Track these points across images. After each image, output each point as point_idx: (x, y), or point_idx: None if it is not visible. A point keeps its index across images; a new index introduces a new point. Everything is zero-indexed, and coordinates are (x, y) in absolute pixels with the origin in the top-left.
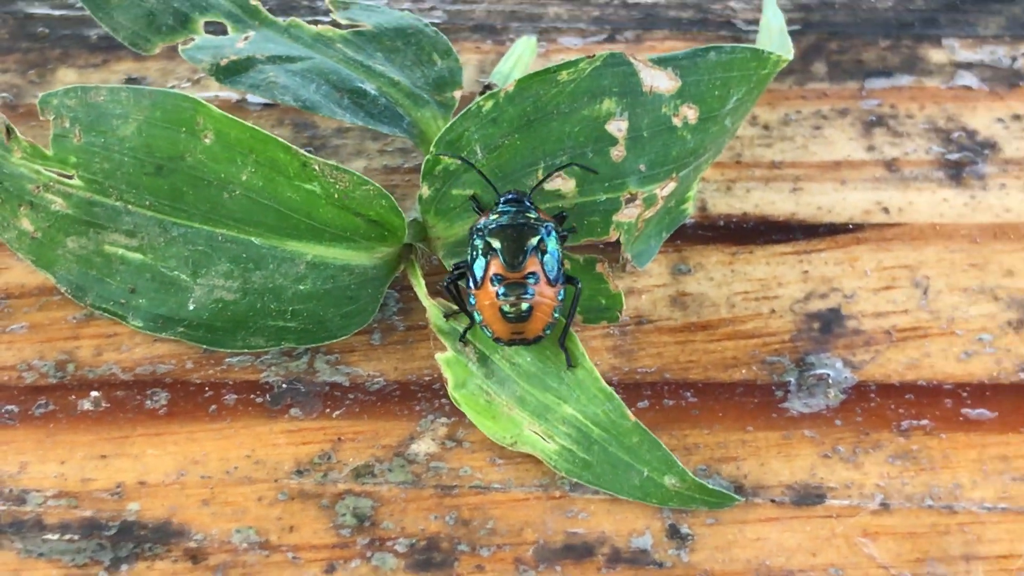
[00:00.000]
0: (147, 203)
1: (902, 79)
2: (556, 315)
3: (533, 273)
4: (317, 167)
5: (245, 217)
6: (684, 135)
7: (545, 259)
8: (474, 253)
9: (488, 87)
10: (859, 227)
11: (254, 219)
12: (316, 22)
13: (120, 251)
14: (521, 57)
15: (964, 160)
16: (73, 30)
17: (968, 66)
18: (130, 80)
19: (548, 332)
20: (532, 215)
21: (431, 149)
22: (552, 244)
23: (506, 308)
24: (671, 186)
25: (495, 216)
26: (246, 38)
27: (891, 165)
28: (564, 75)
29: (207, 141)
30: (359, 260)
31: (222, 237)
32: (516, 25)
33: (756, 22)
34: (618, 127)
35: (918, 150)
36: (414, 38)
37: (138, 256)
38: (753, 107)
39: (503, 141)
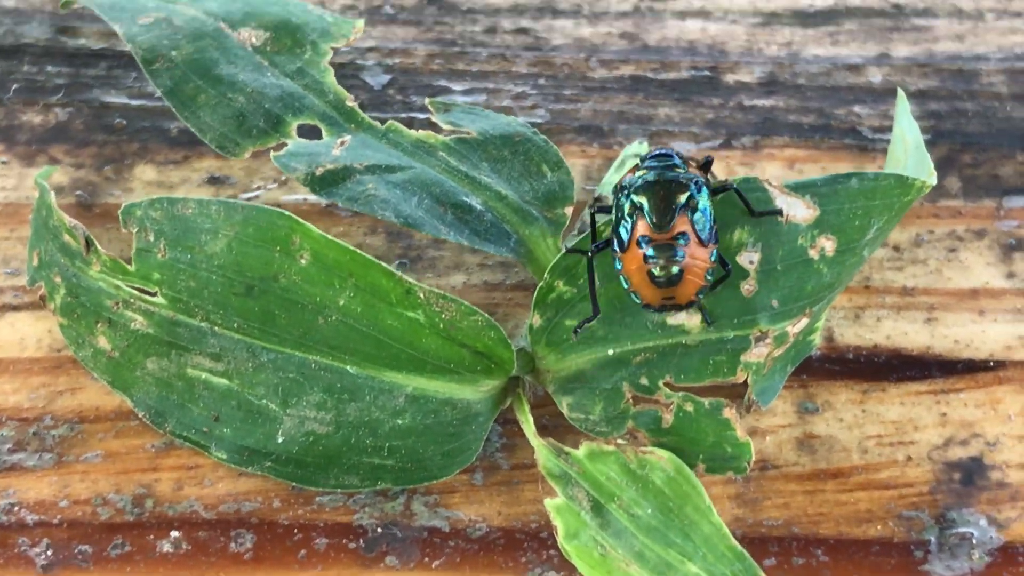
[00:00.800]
0: (235, 325)
1: None
2: (710, 278)
3: (683, 233)
4: (422, 295)
5: (341, 344)
6: (821, 268)
7: (696, 217)
8: (619, 214)
9: (598, 200)
10: (1001, 364)
11: (351, 347)
12: (411, 120)
13: (204, 375)
14: (626, 165)
15: None
16: (152, 122)
17: None
18: (213, 179)
19: (701, 297)
20: (681, 169)
21: (545, 276)
22: (703, 201)
23: (656, 271)
24: (804, 322)
25: (641, 172)
26: (342, 143)
27: None
28: None
29: (303, 262)
30: (463, 394)
31: (315, 365)
32: (624, 127)
33: (883, 129)
34: (750, 259)
35: None
36: (522, 147)
37: (223, 382)
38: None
39: None
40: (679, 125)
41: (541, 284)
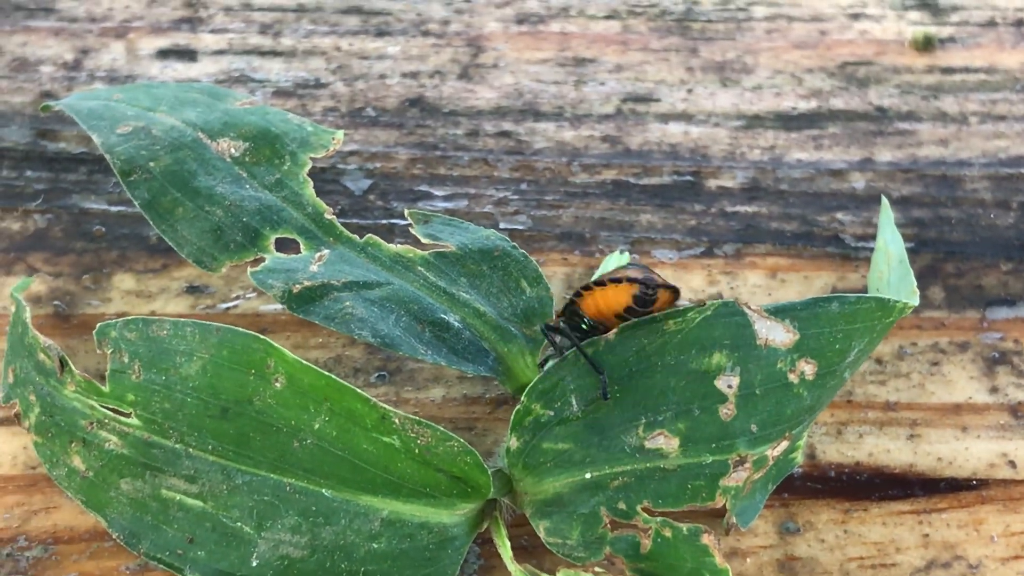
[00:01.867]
0: (210, 447)
1: None
2: None
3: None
4: (397, 420)
5: (316, 468)
6: (800, 392)
7: None
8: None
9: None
10: (984, 483)
11: (326, 470)
12: (392, 226)
13: (179, 497)
14: None
15: None
16: (132, 229)
17: None
18: (192, 289)
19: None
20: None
21: (522, 399)
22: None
23: (639, 293)
24: (783, 445)
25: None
26: (320, 258)
27: (1017, 411)
28: (671, 325)
29: (278, 386)
30: (439, 517)
31: (291, 488)
32: (606, 234)
33: (866, 237)
34: (728, 383)
35: None
36: (500, 262)
37: (198, 503)
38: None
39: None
40: (661, 232)
41: (518, 407)
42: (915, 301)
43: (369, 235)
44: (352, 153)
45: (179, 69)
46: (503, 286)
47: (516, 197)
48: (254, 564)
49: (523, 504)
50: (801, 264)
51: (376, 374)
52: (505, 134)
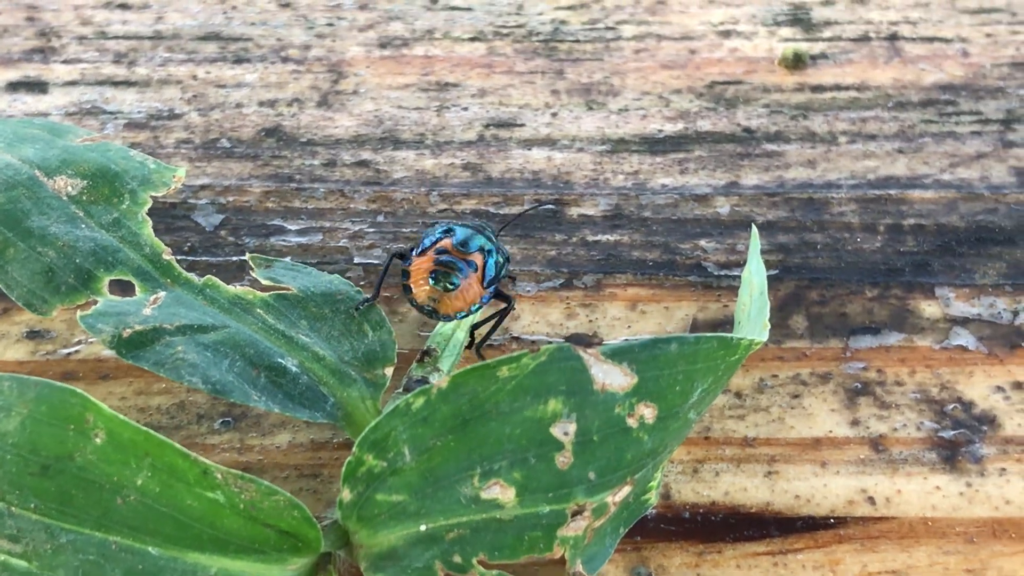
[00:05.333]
0: (32, 505)
1: (890, 337)
2: (474, 309)
3: (473, 262)
4: (219, 475)
5: (141, 525)
6: (640, 436)
7: (488, 262)
8: (430, 231)
9: (427, 352)
10: (842, 521)
11: (151, 527)
12: (242, 264)
13: (3, 557)
14: None
15: (959, 439)
16: None
17: (964, 321)
18: (32, 334)
19: (459, 318)
20: (493, 238)
21: (354, 449)
22: (497, 257)
23: (438, 271)
24: (626, 490)
25: (462, 222)
26: (155, 300)
27: (878, 444)
28: (505, 371)
29: (98, 441)
30: (270, 574)
31: (116, 546)
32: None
33: (729, 265)
34: (564, 430)
35: (908, 425)
36: (343, 305)
37: (23, 563)
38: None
39: (435, 443)
40: (520, 264)
41: (349, 458)
42: (763, 337)
43: (208, 276)
44: (204, 187)
45: (28, 102)
46: (345, 329)
47: (372, 230)
48: None
49: (359, 558)
50: (662, 294)
51: (220, 420)
52: (363, 163)
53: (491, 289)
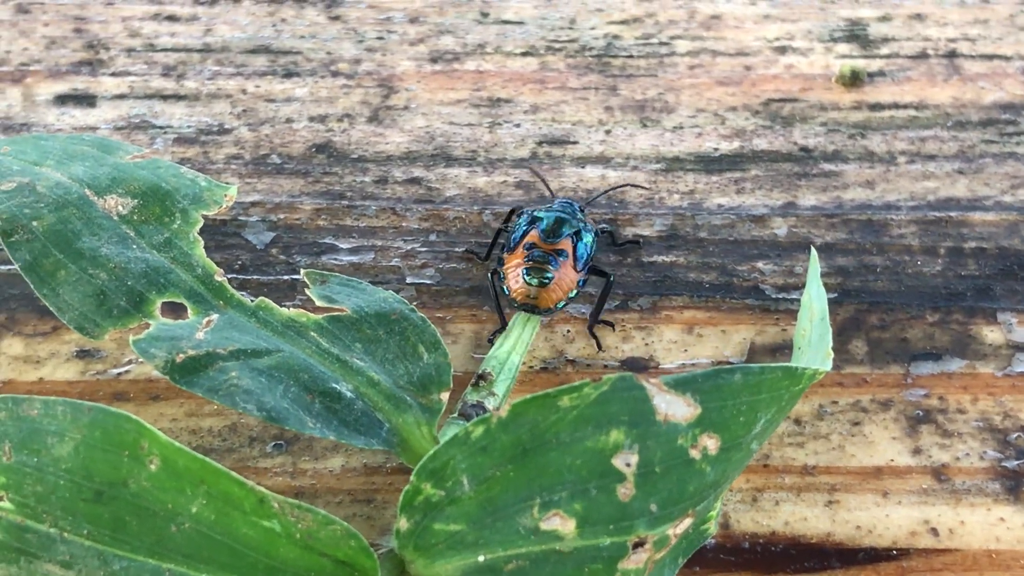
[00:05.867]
0: (85, 532)
1: (952, 363)
2: (572, 295)
3: (563, 251)
4: (276, 505)
5: (195, 553)
6: (703, 468)
7: (578, 245)
8: (517, 225)
9: (482, 376)
10: (904, 553)
11: (205, 555)
12: (294, 283)
13: None
14: (520, 337)
15: (1023, 469)
16: (21, 289)
17: None
18: (82, 353)
19: (559, 308)
20: (578, 215)
21: (412, 478)
22: (588, 237)
23: (530, 268)
24: (687, 522)
25: (546, 206)
26: (208, 323)
27: (940, 473)
28: (566, 400)
29: (153, 468)
30: None
31: (169, 573)
32: None
33: (787, 288)
34: (626, 461)
35: (971, 454)
36: (398, 326)
37: None
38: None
39: (494, 472)
40: None
41: (407, 487)
42: (827, 366)
43: (261, 298)
44: (255, 204)
45: (77, 115)
46: (400, 352)
47: (424, 249)
48: None
49: None
50: (719, 317)
51: (273, 443)
52: (415, 181)
53: (585, 271)
